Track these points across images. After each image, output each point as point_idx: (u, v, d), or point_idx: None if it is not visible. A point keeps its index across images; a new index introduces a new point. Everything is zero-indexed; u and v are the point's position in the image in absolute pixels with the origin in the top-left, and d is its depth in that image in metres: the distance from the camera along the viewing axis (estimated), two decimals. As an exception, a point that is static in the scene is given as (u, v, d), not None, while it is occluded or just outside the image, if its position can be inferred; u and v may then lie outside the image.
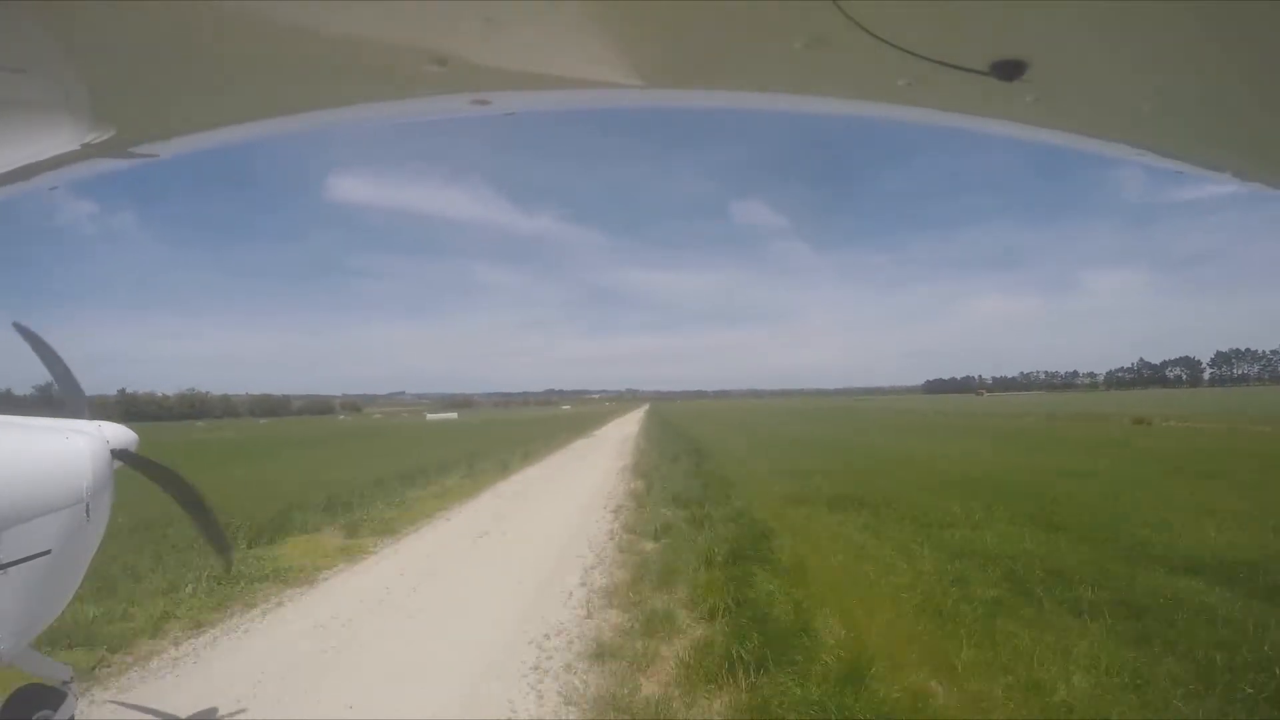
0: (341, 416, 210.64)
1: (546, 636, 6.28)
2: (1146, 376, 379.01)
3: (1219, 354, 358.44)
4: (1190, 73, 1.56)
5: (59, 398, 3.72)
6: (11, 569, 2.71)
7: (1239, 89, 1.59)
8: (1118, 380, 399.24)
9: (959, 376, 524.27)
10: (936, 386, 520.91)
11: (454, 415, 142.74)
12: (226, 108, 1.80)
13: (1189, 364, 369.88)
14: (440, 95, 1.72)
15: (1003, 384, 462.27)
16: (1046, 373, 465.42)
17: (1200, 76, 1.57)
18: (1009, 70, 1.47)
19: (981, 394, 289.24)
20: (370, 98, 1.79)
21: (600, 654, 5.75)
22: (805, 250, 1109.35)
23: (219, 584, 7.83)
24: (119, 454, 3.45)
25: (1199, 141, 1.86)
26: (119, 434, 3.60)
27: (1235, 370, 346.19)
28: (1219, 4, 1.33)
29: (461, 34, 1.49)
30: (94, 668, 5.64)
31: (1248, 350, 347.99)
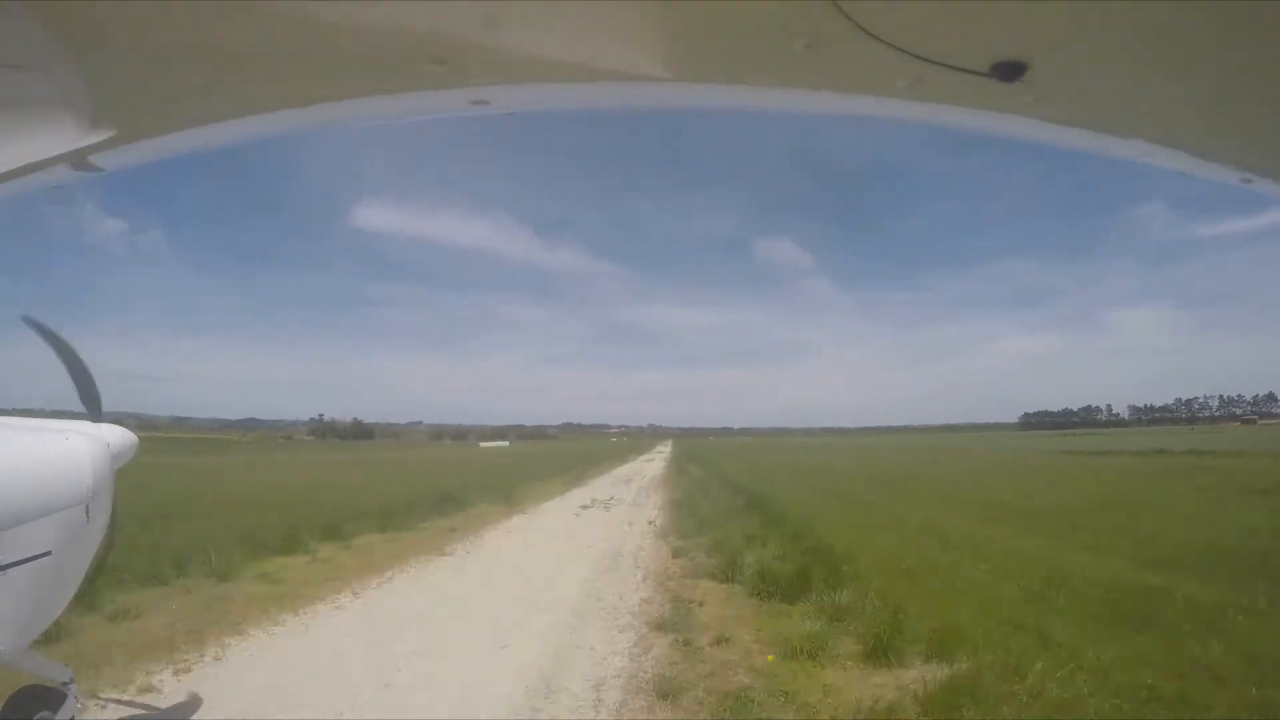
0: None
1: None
2: None
3: None
4: (1192, 70, 1.56)
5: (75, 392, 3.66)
6: (12, 570, 2.69)
7: (1241, 86, 1.59)
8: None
9: (1074, 408, 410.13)
10: (1039, 422, 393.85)
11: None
12: (225, 107, 1.81)
13: None
14: (440, 94, 1.73)
15: (1149, 414, 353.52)
16: (1223, 398, 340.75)
17: (1202, 74, 1.56)
18: (1009, 71, 1.48)
19: (1255, 421, 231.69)
20: (369, 95, 1.80)
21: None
22: (829, 287, 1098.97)
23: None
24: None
25: (1202, 139, 1.84)
26: (119, 436, 3.59)
27: None
28: (1220, 2, 1.33)
29: (461, 33, 1.50)
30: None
31: None
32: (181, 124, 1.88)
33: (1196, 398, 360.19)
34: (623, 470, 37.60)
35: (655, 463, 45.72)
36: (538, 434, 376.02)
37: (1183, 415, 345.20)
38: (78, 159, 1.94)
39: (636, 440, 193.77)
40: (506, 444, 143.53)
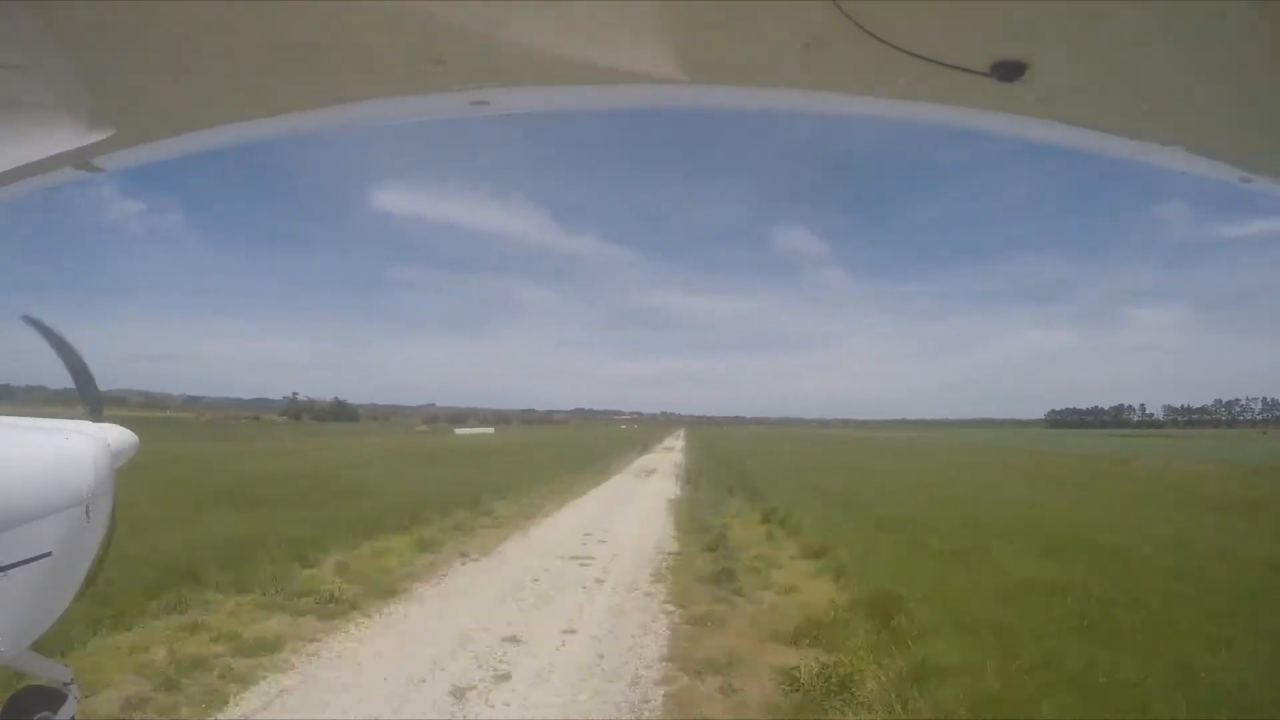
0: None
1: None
2: None
3: None
4: (1192, 70, 1.56)
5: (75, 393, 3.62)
6: (11, 571, 2.68)
7: (1241, 85, 1.60)
8: None
9: (1105, 406, 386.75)
10: (1068, 420, 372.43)
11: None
12: (226, 106, 1.81)
13: None
14: (440, 94, 1.74)
15: (1185, 415, 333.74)
16: (1266, 400, 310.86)
17: (1202, 74, 1.57)
18: (1009, 70, 1.47)
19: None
20: (370, 97, 1.80)
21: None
22: (844, 278, 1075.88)
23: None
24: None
25: (1202, 139, 1.86)
26: (119, 436, 3.56)
27: None
28: (1220, 4, 1.32)
29: (461, 33, 1.50)
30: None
31: None
32: (181, 126, 1.89)
33: (1238, 399, 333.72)
34: (586, 506, 16.61)
35: (657, 479, 24.64)
36: (545, 419, 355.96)
37: (1223, 417, 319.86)
38: (78, 160, 1.94)
39: (647, 428, 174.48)
40: (491, 430, 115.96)
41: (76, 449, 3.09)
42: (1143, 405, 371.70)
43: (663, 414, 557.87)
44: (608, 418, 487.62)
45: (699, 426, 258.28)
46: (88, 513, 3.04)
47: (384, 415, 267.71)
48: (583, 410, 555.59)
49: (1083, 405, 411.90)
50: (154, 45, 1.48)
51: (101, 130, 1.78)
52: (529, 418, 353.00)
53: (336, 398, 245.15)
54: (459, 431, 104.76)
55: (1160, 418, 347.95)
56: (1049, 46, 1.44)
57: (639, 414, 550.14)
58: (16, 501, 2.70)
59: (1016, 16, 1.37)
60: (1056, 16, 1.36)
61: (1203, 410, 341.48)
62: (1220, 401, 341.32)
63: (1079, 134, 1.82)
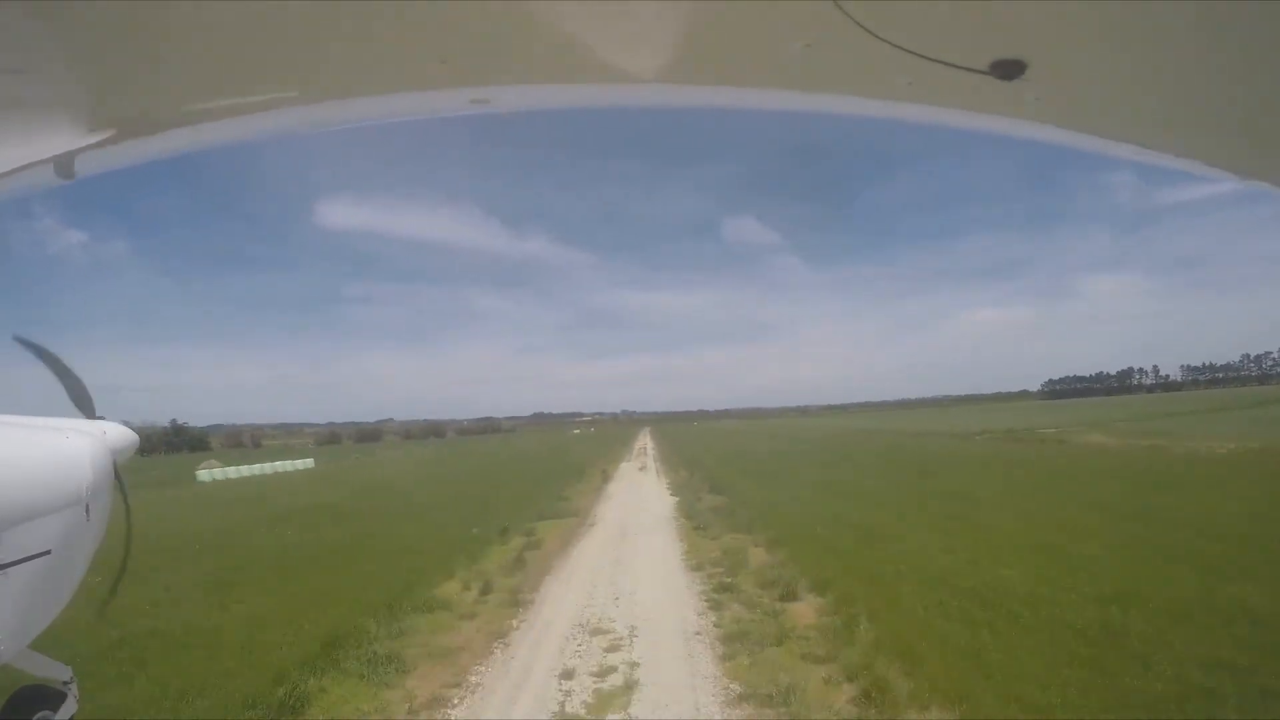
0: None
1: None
2: None
3: None
4: (1190, 72, 1.56)
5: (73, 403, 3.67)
6: (12, 569, 2.67)
7: (1239, 88, 1.59)
8: None
9: (1111, 371, 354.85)
10: (1068, 389, 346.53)
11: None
12: (226, 106, 1.78)
13: None
14: (440, 93, 1.73)
15: (1207, 374, 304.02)
16: None
17: (1200, 76, 1.57)
18: (1009, 70, 1.46)
19: None
20: (371, 93, 1.78)
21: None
22: (800, 265, 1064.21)
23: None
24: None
25: (1199, 141, 1.86)
26: (119, 434, 3.55)
27: None
28: (1217, 4, 1.32)
29: (463, 32, 1.50)
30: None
31: None
32: (181, 123, 1.86)
33: (1269, 352, 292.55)
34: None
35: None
36: (495, 428, 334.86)
37: (1252, 374, 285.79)
38: (77, 158, 1.90)
39: (606, 430, 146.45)
40: (309, 463, 68.55)
41: (76, 448, 3.06)
42: (1155, 367, 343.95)
43: (624, 413, 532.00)
44: (566, 421, 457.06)
45: (664, 424, 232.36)
46: (87, 511, 3.01)
47: (268, 437, 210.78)
48: (541, 414, 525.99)
49: (1085, 372, 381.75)
50: (153, 45, 1.45)
51: (101, 130, 1.74)
52: (469, 428, 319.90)
53: (173, 420, 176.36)
54: (202, 475, 55.26)
55: (1180, 379, 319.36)
56: (1049, 46, 1.44)
57: (599, 415, 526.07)
58: (16, 500, 2.68)
59: (1016, 16, 1.37)
60: (1056, 16, 1.36)
61: (1227, 367, 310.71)
62: (1248, 356, 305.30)
63: (1078, 134, 1.81)
